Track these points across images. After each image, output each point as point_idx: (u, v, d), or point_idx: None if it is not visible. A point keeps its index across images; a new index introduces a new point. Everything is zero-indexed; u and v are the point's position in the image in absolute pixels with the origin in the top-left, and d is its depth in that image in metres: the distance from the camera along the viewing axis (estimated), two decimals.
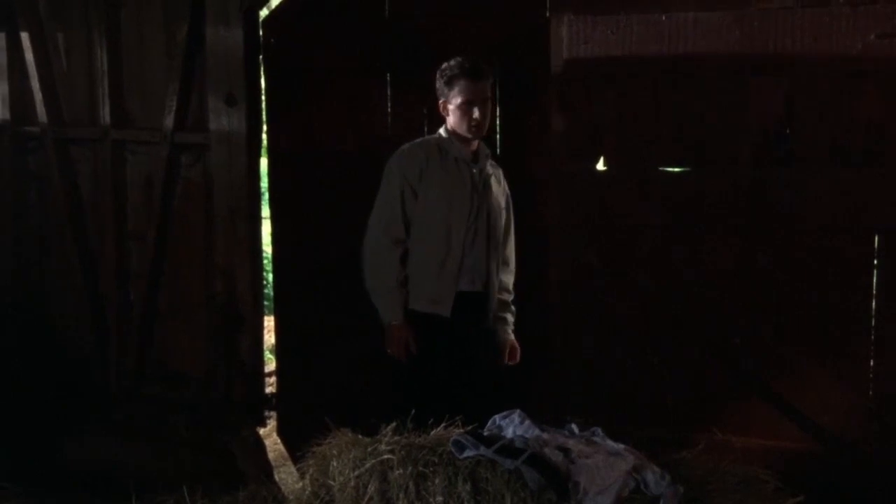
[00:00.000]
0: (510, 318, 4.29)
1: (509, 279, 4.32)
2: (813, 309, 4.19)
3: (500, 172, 4.26)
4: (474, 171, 4.09)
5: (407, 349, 4.02)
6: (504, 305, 4.27)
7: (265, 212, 5.02)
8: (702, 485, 3.16)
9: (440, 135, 4.13)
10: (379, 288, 4.07)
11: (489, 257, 4.13)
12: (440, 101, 4.11)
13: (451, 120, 4.08)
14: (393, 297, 4.05)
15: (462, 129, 4.04)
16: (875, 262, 4.14)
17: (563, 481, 2.98)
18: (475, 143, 4.12)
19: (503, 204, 4.22)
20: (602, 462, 3.08)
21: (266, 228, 5.01)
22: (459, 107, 4.01)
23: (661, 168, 4.45)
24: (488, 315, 4.18)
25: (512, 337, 4.29)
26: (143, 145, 5.03)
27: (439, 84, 4.08)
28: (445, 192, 4.05)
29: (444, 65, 4.06)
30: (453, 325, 4.05)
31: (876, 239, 4.13)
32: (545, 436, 3.26)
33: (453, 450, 3.11)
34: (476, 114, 4.00)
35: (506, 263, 4.29)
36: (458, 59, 4.03)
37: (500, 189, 4.21)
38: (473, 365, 4.09)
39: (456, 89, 4.01)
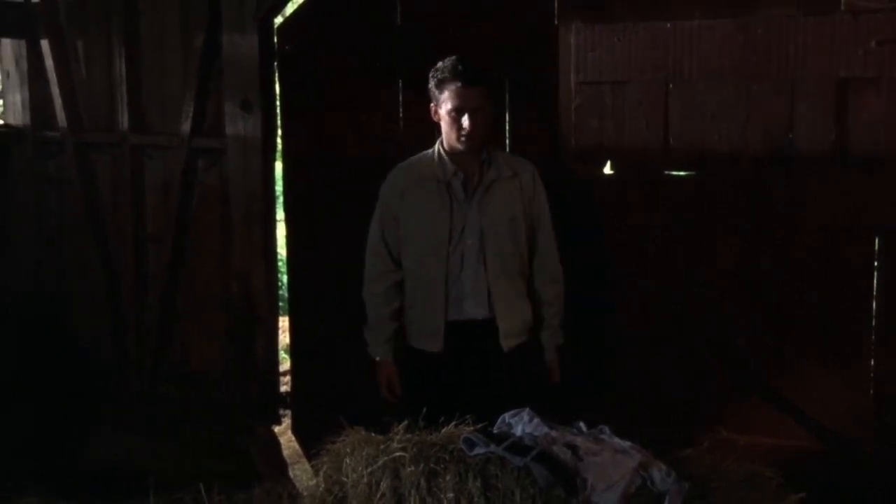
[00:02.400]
0: (547, 334, 3.96)
1: (549, 290, 3.93)
2: (813, 309, 4.18)
3: (526, 175, 3.86)
4: (454, 186, 3.75)
5: (392, 388, 3.85)
6: (542, 321, 3.94)
7: (280, 214, 5.10)
8: (705, 482, 3.16)
9: (434, 150, 3.82)
10: (368, 320, 3.90)
11: (494, 278, 3.76)
12: (431, 105, 3.78)
13: (443, 128, 3.75)
14: (377, 332, 3.85)
15: (451, 139, 3.70)
16: (875, 262, 4.13)
17: (572, 478, 3.01)
18: (477, 151, 3.78)
19: (517, 213, 3.81)
20: (609, 459, 3.10)
21: (281, 231, 5.08)
22: (449, 114, 3.67)
23: (666, 172, 4.48)
24: (500, 342, 3.81)
25: (552, 355, 3.97)
26: (160, 150, 5.12)
27: (431, 85, 3.73)
28: (420, 215, 3.76)
29: (439, 64, 3.72)
30: (450, 361, 3.76)
31: (876, 240, 4.12)
32: (553, 434, 3.26)
33: (464, 447, 3.13)
34: (466, 122, 3.63)
35: (544, 272, 3.92)
36: (452, 59, 3.68)
37: (512, 196, 3.82)
38: (478, 398, 3.69)
39: (446, 94, 3.65)
